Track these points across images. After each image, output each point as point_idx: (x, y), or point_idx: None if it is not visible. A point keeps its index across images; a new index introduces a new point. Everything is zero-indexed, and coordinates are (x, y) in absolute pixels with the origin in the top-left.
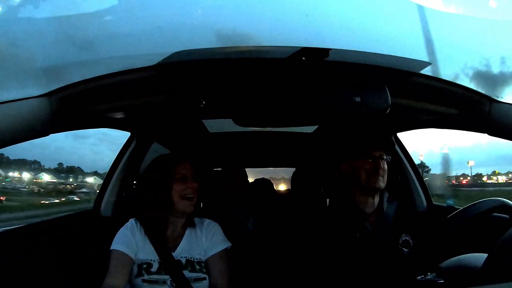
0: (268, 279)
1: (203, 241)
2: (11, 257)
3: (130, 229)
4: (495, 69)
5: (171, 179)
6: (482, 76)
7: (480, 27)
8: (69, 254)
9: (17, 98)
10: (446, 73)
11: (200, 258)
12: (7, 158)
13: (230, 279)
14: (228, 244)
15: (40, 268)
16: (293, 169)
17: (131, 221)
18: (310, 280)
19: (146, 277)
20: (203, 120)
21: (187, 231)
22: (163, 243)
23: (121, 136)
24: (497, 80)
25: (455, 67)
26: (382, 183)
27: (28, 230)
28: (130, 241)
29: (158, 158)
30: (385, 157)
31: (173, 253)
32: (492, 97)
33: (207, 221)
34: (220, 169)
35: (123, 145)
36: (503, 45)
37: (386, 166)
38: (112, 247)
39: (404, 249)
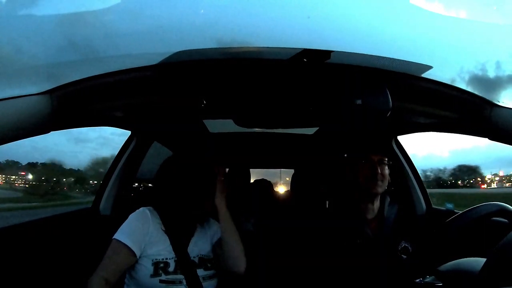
0: (266, 281)
1: (211, 236)
2: (8, 255)
3: (142, 220)
4: (491, 73)
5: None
6: (478, 79)
7: (480, 30)
8: (67, 252)
9: (18, 95)
10: (446, 76)
11: (210, 256)
12: (65, 167)
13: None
14: None
15: (37, 265)
16: (293, 171)
17: (144, 210)
18: (309, 284)
19: (163, 277)
20: (204, 120)
21: (198, 227)
22: (182, 240)
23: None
24: (493, 83)
25: (453, 70)
26: (380, 188)
27: (26, 228)
28: (138, 233)
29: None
30: (385, 161)
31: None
32: (493, 101)
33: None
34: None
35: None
36: (500, 48)
37: (386, 171)
38: (116, 237)
39: (403, 255)
